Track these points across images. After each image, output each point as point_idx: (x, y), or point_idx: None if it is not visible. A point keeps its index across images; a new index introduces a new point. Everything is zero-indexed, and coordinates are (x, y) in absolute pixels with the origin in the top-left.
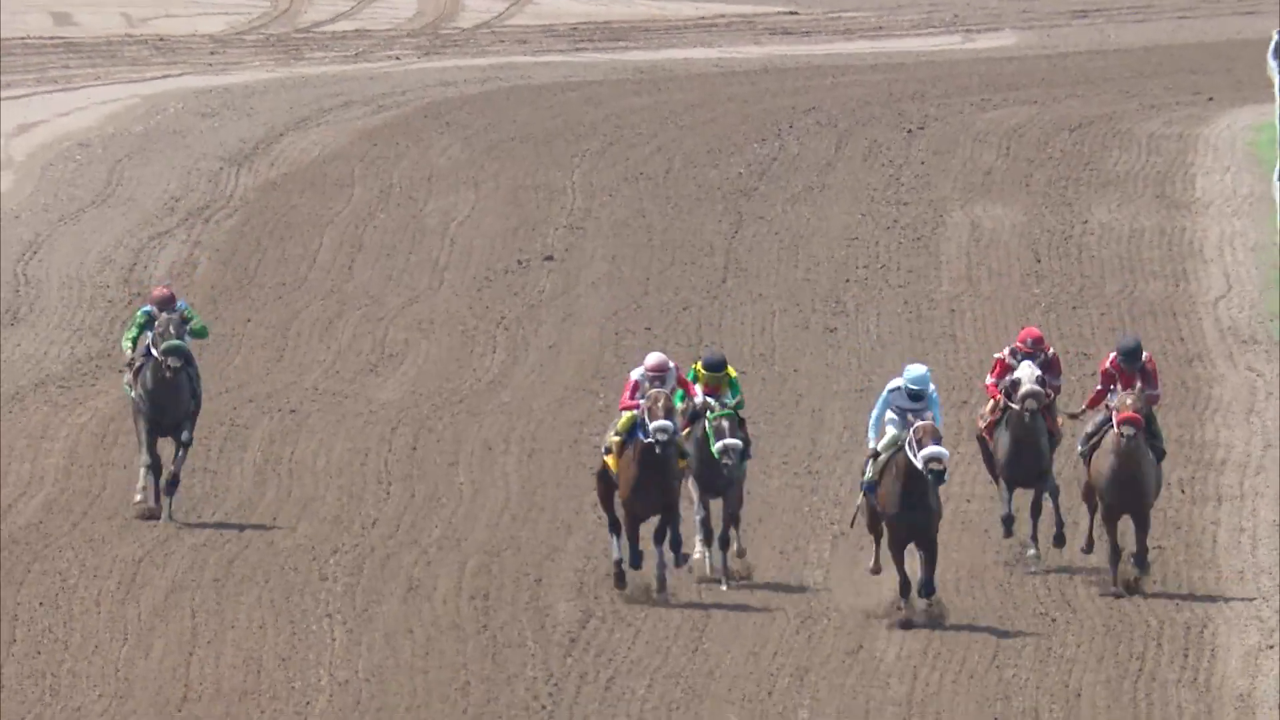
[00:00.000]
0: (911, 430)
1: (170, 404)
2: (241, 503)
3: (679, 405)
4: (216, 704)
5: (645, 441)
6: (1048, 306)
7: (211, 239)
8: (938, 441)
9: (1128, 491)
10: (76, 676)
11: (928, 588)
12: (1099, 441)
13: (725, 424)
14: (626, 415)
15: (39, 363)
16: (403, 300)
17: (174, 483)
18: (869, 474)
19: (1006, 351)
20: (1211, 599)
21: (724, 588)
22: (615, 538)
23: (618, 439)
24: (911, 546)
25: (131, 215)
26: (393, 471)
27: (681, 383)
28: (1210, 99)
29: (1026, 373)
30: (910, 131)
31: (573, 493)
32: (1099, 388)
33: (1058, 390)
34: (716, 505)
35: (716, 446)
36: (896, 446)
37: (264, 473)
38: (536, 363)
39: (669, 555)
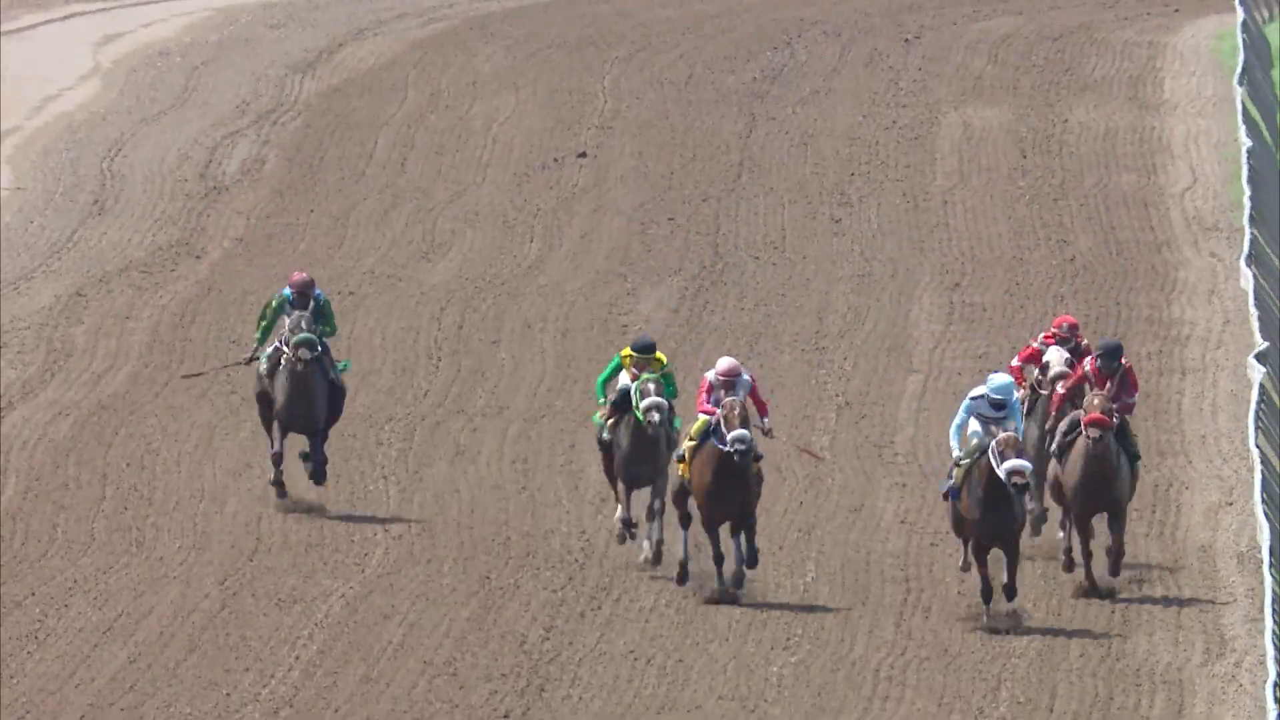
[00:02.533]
0: (995, 441)
1: (301, 415)
2: None
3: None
4: (284, 555)
5: (723, 451)
6: (1031, 198)
7: (279, 138)
8: (1021, 454)
9: (1100, 494)
10: (159, 530)
11: (1011, 592)
12: (1071, 443)
13: (651, 385)
14: (700, 420)
15: (123, 250)
16: (450, 194)
17: (319, 462)
18: (952, 479)
19: (1039, 340)
20: (1177, 461)
21: (644, 557)
22: (684, 535)
23: (692, 443)
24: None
25: (206, 116)
26: (441, 348)
27: (754, 396)
28: (1177, 10)
29: (1055, 356)
30: (908, 40)
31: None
32: (1068, 386)
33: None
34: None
35: (642, 405)
36: (979, 454)
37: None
38: (570, 250)
39: (743, 556)
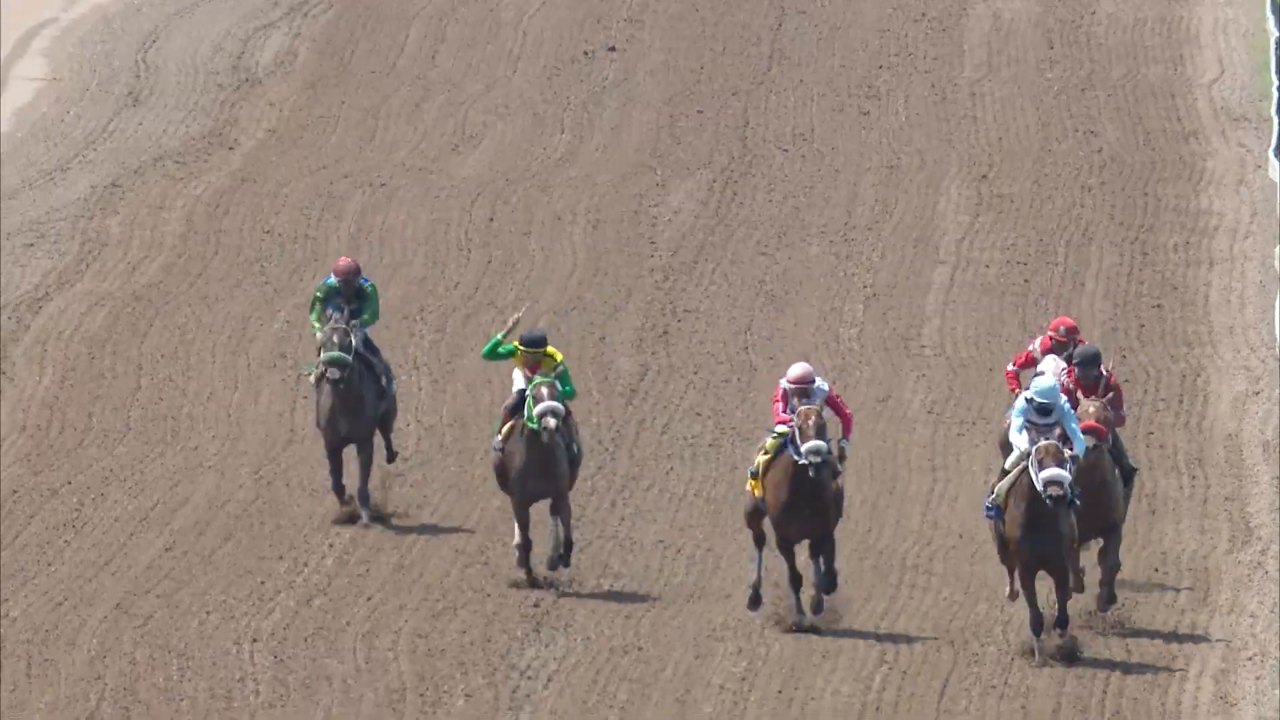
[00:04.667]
0: (1034, 449)
1: (345, 423)
2: None
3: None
4: (318, 445)
5: (799, 463)
6: (1059, 90)
7: (310, 30)
8: (1061, 464)
9: (1091, 509)
10: (194, 420)
11: (1062, 620)
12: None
13: (544, 389)
14: (780, 429)
15: (158, 140)
16: (481, 86)
17: (364, 498)
18: (992, 496)
19: (1036, 345)
20: (1204, 351)
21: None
22: (757, 556)
23: (766, 457)
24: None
25: (239, 8)
26: (472, 240)
27: (832, 402)
28: None
29: (1051, 366)
30: None
31: (633, 259)
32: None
33: None
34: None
35: (535, 410)
36: (1021, 467)
37: (358, 240)
38: (600, 143)
39: (824, 579)
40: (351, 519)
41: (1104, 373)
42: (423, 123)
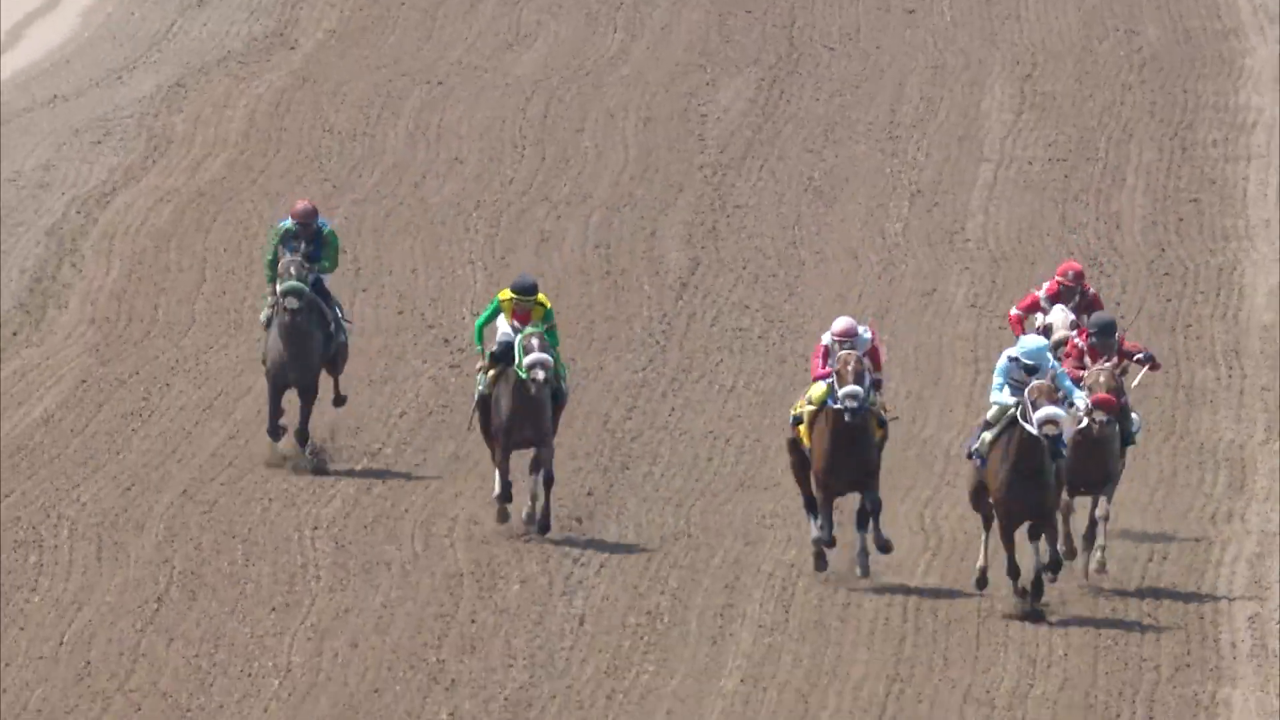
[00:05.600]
0: (1027, 390)
1: (294, 368)
2: (396, 164)
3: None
4: (376, 338)
5: (835, 409)
6: None
7: None
8: (1056, 404)
9: (1090, 471)
10: (256, 312)
11: (1056, 565)
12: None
13: (535, 340)
14: (821, 385)
15: (221, 40)
16: None
17: (303, 438)
18: (976, 444)
19: (1042, 290)
20: (1241, 245)
21: (525, 513)
22: (812, 517)
23: (811, 408)
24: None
25: None
26: (526, 136)
27: (873, 353)
28: None
29: (1059, 317)
30: None
31: (682, 156)
32: (1072, 369)
33: None
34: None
35: (525, 361)
36: (1008, 419)
37: (415, 138)
38: (651, 41)
39: (870, 540)
40: (282, 461)
41: (1120, 340)
42: (478, 21)
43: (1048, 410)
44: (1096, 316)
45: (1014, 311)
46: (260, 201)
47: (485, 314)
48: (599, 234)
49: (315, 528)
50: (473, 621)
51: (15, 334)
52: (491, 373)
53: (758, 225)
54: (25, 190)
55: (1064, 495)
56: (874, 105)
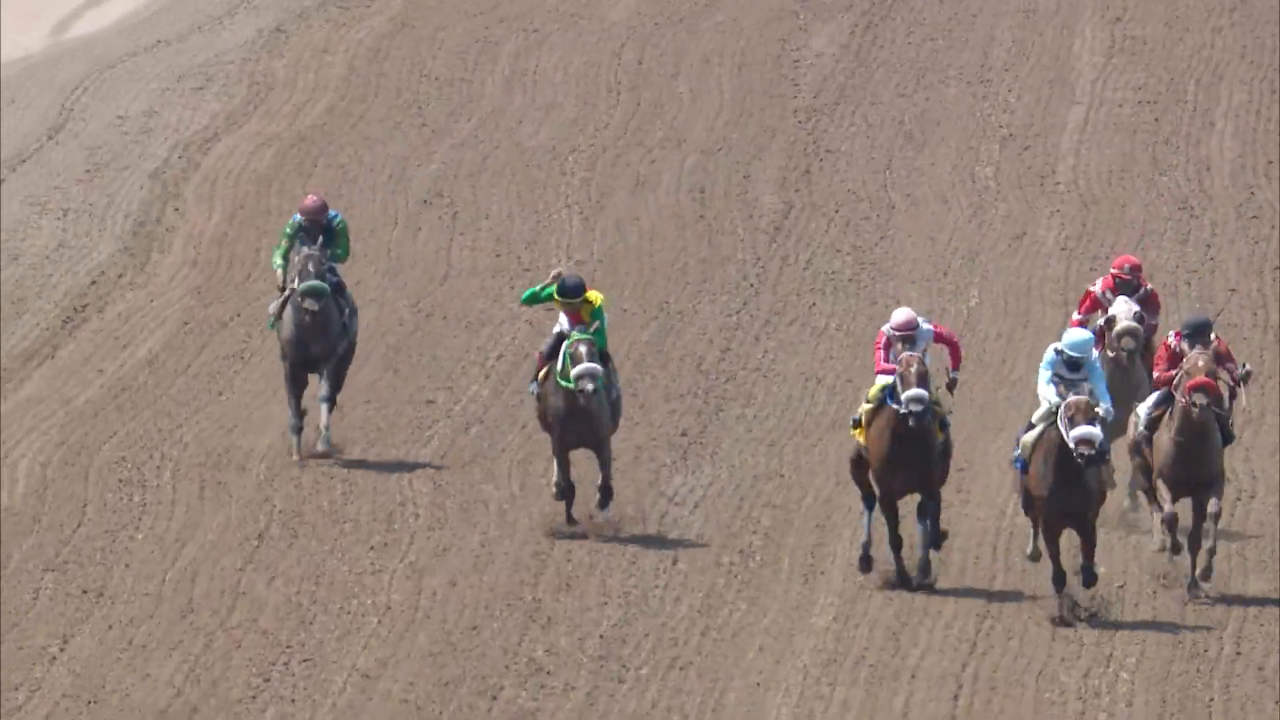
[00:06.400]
0: (1064, 405)
1: (315, 344)
2: (493, 109)
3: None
4: (473, 280)
5: (898, 411)
6: None
7: None
8: (1092, 421)
9: (1192, 470)
10: (355, 256)
11: (1088, 575)
12: (1160, 419)
13: (583, 348)
14: (878, 383)
15: None
16: None
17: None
18: (1018, 450)
19: (1099, 285)
20: None
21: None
22: (867, 515)
23: (869, 407)
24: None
25: None
26: (622, 82)
27: (940, 338)
28: None
29: (1122, 308)
30: None
31: (776, 100)
32: (1162, 370)
33: (1154, 329)
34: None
35: (573, 372)
36: (1049, 420)
37: (511, 83)
38: None
39: (923, 535)
40: (307, 457)
41: (1215, 338)
42: None
43: (1084, 430)
44: (1190, 319)
45: (1075, 317)
46: (359, 146)
47: (531, 291)
48: (693, 178)
49: (414, 467)
50: (569, 560)
51: (120, 276)
52: (542, 371)
53: (850, 169)
54: (129, 135)
55: (1168, 503)
56: (965, 49)
